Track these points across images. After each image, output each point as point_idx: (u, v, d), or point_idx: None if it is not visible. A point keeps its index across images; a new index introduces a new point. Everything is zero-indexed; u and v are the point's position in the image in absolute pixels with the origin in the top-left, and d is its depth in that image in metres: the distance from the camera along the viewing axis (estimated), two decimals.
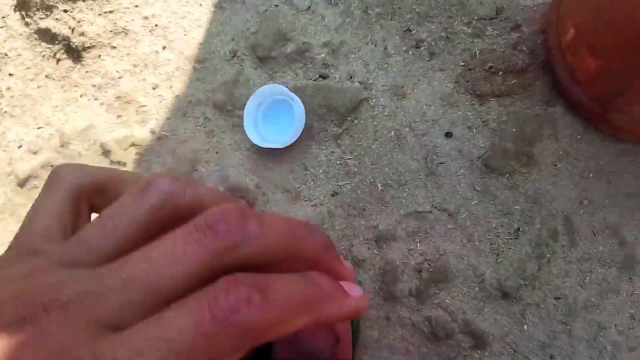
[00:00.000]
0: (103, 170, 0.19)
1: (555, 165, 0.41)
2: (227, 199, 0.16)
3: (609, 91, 0.36)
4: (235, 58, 0.46)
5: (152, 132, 0.47)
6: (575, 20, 0.35)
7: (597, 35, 0.34)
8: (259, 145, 0.43)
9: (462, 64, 0.43)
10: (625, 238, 0.40)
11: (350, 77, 0.44)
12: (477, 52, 0.43)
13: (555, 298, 0.40)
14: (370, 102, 0.44)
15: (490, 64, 0.43)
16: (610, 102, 0.36)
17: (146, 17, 0.48)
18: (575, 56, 0.37)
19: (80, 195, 0.18)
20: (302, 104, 0.43)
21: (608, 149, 0.41)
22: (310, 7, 0.46)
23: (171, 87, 0.47)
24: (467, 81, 0.43)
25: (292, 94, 0.43)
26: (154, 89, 0.48)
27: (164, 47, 0.48)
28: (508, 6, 0.44)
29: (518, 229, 0.41)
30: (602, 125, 0.40)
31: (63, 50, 0.49)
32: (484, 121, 0.42)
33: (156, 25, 0.48)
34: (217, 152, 0.46)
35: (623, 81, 0.34)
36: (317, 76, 0.45)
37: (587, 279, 0.40)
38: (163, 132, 0.47)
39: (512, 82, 0.43)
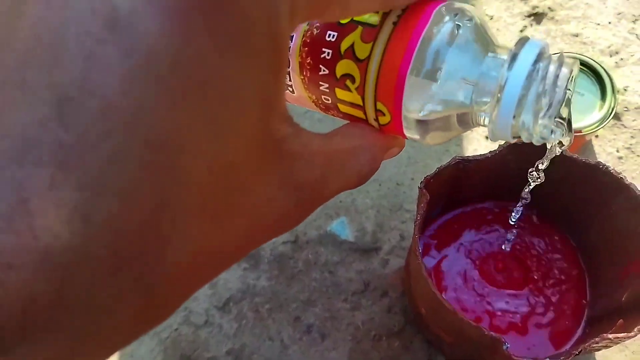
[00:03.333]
0: None
1: None
2: None
3: (470, 358, 0.43)
4: None
5: None
6: (423, 304, 0.43)
7: (438, 324, 0.41)
8: None
9: (350, 338, 0.50)
10: None
11: None
12: (360, 323, 0.50)
13: None
14: None
15: (373, 332, 0.50)
16: None
17: None
18: (434, 326, 0.44)
19: None
20: None
21: None
22: (207, 320, 0.51)
23: None
24: (359, 354, 0.49)
25: None
26: None
27: None
28: (372, 278, 0.52)
29: None
30: None
31: None
32: None
33: None
34: None
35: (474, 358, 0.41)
36: None
37: None
38: None
39: (396, 344, 0.49)
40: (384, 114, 0.19)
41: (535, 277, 0.48)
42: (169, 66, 0.12)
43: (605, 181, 0.39)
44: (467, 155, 0.54)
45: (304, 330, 0.50)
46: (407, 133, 0.20)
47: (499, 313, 0.47)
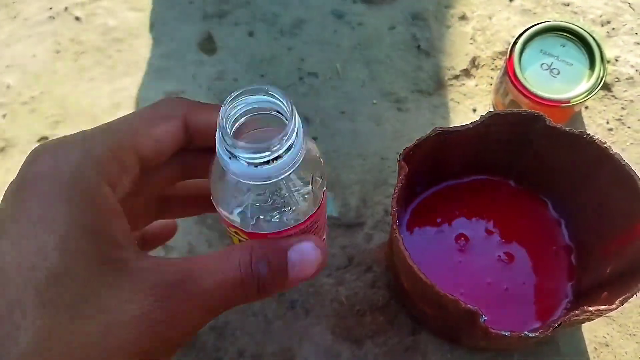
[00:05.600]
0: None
1: None
2: None
3: (450, 335, 0.42)
4: None
5: None
6: (405, 278, 0.42)
7: (420, 298, 0.40)
8: None
9: (334, 313, 0.49)
10: None
11: (241, 354, 0.48)
12: (344, 299, 0.49)
13: None
14: None
15: (357, 307, 0.49)
16: (458, 338, 0.43)
17: None
18: (417, 300, 0.43)
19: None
20: None
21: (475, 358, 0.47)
22: None
23: None
24: (343, 329, 0.48)
25: None
26: None
27: None
28: (356, 254, 0.51)
29: None
30: (463, 345, 0.46)
31: None
32: None
33: None
34: None
35: (455, 333, 0.41)
36: None
37: None
38: None
39: (380, 319, 0.48)
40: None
41: (519, 251, 0.47)
42: None
43: (589, 151, 0.38)
44: None
45: (287, 306, 0.50)
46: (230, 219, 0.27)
47: (481, 287, 0.46)
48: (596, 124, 0.54)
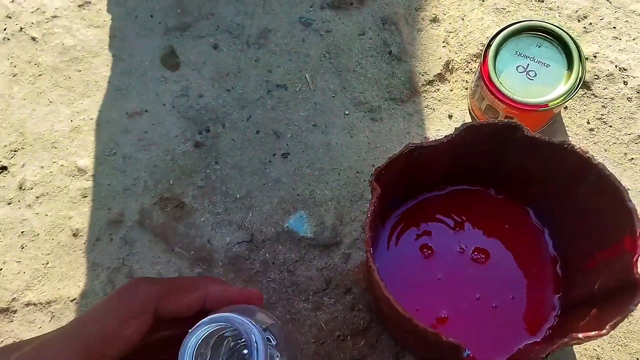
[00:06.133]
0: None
1: None
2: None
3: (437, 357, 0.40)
4: None
5: None
6: (384, 305, 0.40)
7: (400, 325, 0.38)
8: None
9: (313, 340, 0.47)
10: None
11: None
12: (323, 324, 0.47)
13: None
14: None
15: (337, 332, 0.47)
16: None
17: None
18: (396, 327, 0.41)
19: None
20: None
21: None
22: None
23: None
24: (323, 357, 0.46)
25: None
26: None
27: None
28: (335, 275, 0.48)
29: None
30: None
31: None
32: None
33: None
34: None
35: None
36: None
37: None
38: None
39: (362, 343, 0.46)
40: None
41: (502, 261, 0.45)
42: None
43: (571, 161, 0.36)
44: (429, 135, 0.51)
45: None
46: None
47: (467, 301, 0.44)
48: (576, 125, 0.52)
